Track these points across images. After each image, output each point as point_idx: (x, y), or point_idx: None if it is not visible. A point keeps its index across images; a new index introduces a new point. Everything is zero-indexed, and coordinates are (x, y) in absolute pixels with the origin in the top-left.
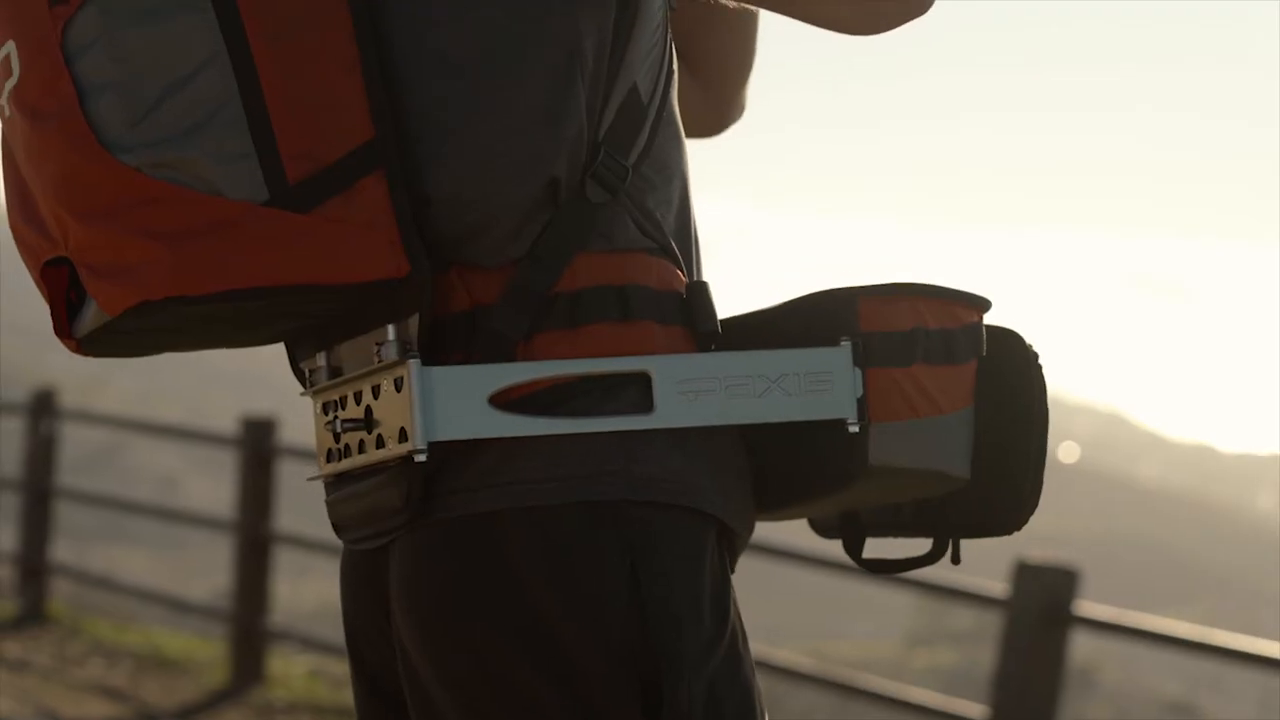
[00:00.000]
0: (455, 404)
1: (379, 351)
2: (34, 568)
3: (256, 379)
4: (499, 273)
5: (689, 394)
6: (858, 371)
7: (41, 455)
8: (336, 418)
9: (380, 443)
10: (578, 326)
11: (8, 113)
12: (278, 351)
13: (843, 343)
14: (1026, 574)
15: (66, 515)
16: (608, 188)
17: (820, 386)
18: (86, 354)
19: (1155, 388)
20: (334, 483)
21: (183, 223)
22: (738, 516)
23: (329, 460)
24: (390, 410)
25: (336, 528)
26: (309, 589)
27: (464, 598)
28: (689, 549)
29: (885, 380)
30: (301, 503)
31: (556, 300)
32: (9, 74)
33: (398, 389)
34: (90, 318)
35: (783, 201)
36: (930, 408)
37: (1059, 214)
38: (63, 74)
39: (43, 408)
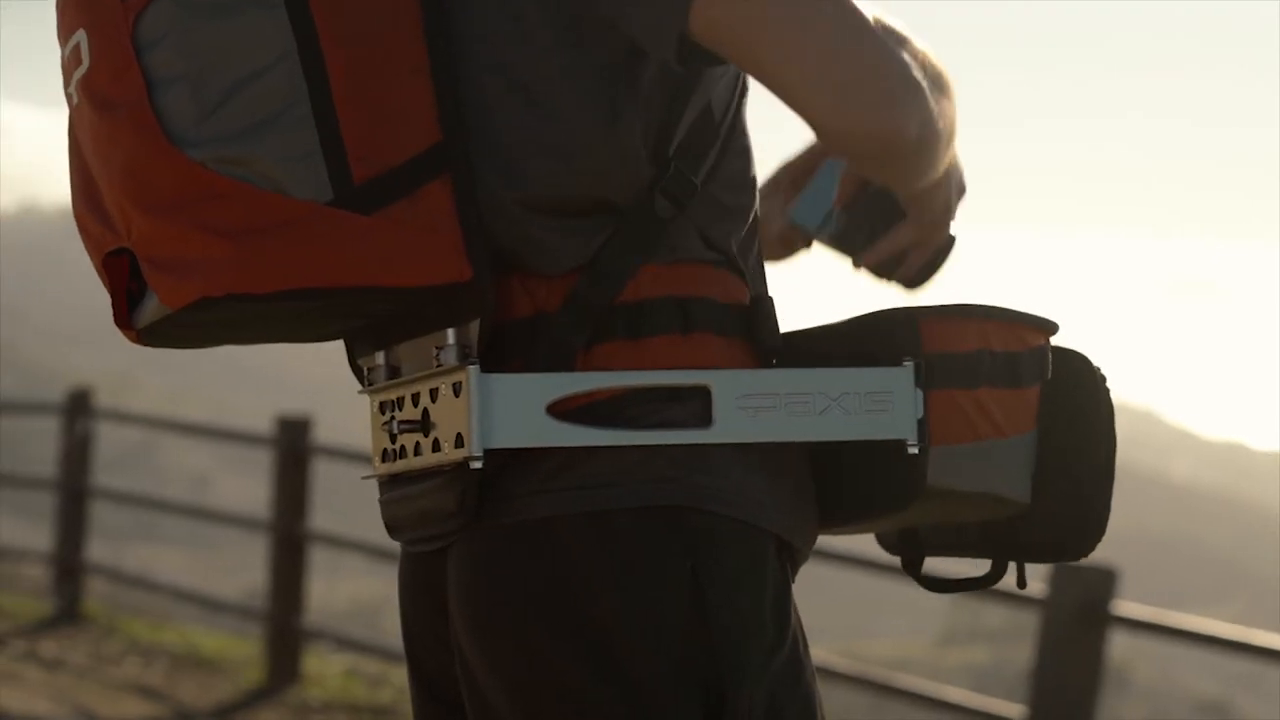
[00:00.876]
0: (513, 412)
1: (438, 355)
2: (69, 567)
3: (285, 378)
4: (562, 281)
5: (749, 409)
6: (919, 392)
7: (77, 455)
8: (393, 418)
9: (436, 446)
10: (639, 338)
11: (76, 100)
12: (307, 352)
13: (905, 363)
14: (1064, 573)
15: (100, 514)
16: (675, 203)
17: (880, 406)
18: (145, 344)
19: (1187, 385)
20: (388, 483)
21: (246, 219)
22: (796, 531)
23: (384, 460)
24: (447, 415)
25: (390, 528)
26: (342, 588)
27: (523, 602)
28: (749, 558)
29: (947, 402)
30: (335, 502)
31: (618, 311)
32: (79, 62)
33: (456, 394)
34: (151, 310)
35: None
36: (992, 430)
37: (1090, 216)
38: (132, 65)
39: (78, 407)
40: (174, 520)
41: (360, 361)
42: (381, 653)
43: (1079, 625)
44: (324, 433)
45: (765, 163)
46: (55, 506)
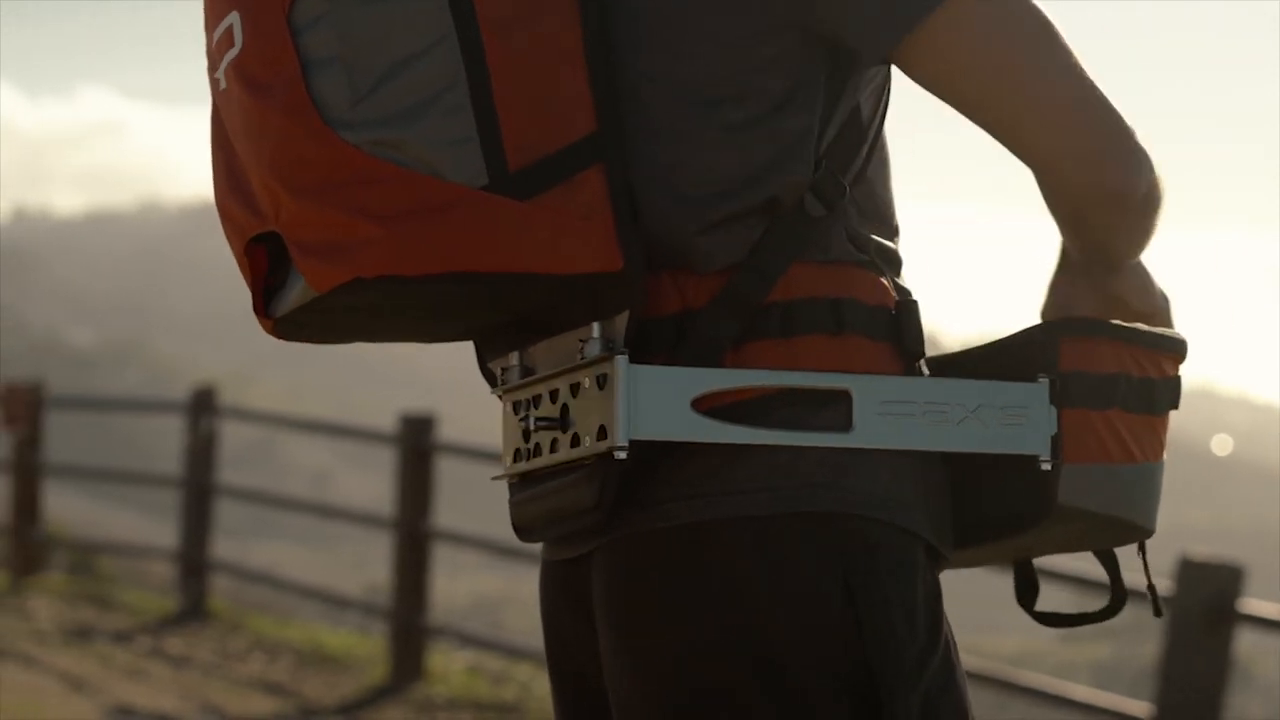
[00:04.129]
0: (658, 404)
1: (583, 349)
2: (195, 564)
3: (405, 375)
4: (712, 278)
5: (888, 415)
6: (1053, 409)
7: (201, 452)
8: (529, 415)
9: (575, 441)
10: (790, 337)
11: (224, 85)
12: (429, 348)
13: (1040, 379)
14: (1191, 571)
15: (224, 511)
16: (825, 203)
17: (1015, 421)
18: (280, 336)
19: None
20: (519, 484)
21: (399, 202)
22: (943, 536)
23: (516, 460)
24: (589, 408)
25: (519, 529)
26: (463, 585)
27: (674, 608)
28: (901, 562)
29: (1081, 421)
30: (457, 499)
31: (770, 310)
32: (230, 45)
33: (600, 386)
34: (293, 296)
35: None
36: (1124, 454)
37: (1198, 212)
38: (288, 47)
39: (203, 405)
40: (295, 517)
41: (492, 364)
42: (504, 650)
43: (1206, 623)
44: (446, 430)
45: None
46: (180, 503)
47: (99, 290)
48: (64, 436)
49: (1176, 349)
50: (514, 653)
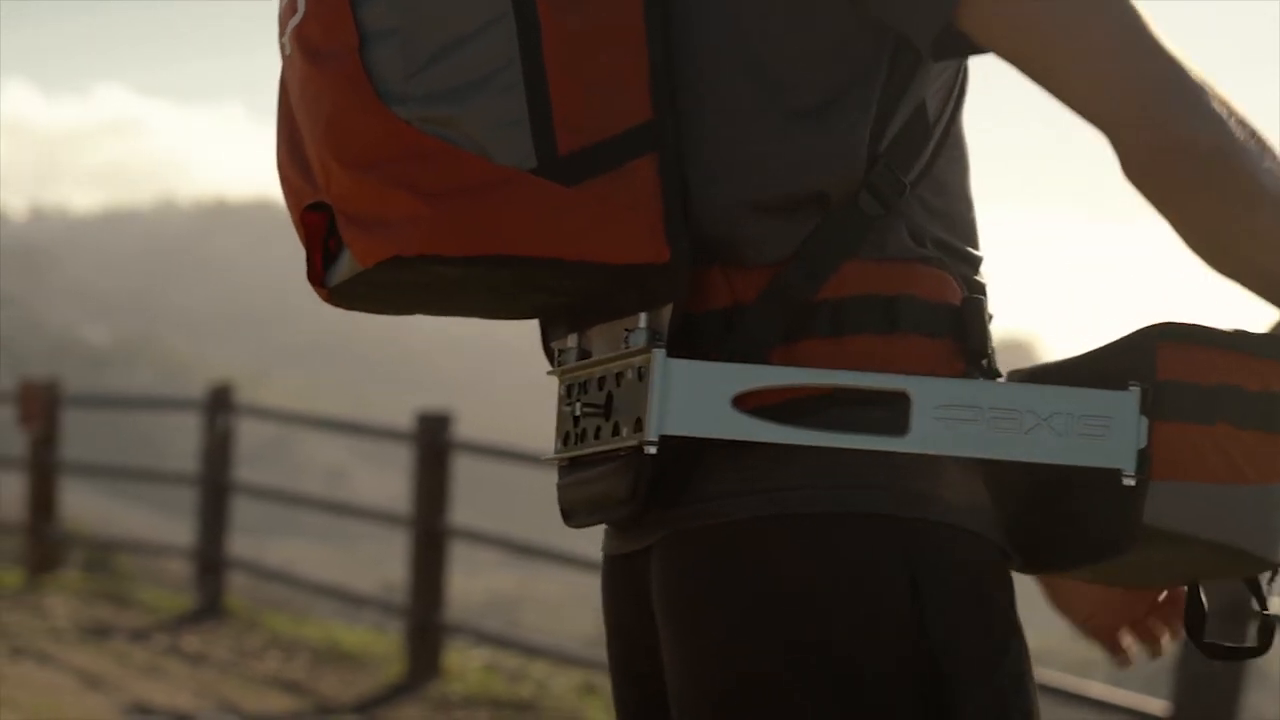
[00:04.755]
0: (695, 400)
1: (627, 338)
2: (211, 562)
3: (420, 374)
4: (761, 272)
5: (947, 419)
6: (1144, 420)
7: (218, 450)
8: (578, 401)
9: (616, 430)
10: (841, 336)
11: (288, 50)
12: (443, 346)
13: (1130, 387)
14: None
15: (240, 509)
16: (882, 201)
17: (1096, 431)
18: (336, 304)
19: None
20: (566, 468)
21: (447, 180)
22: (1017, 545)
23: (565, 444)
24: (629, 398)
25: (564, 513)
26: (479, 583)
27: (728, 605)
28: (972, 568)
29: (1177, 435)
30: (474, 497)
31: (820, 307)
32: (294, 11)
33: (640, 378)
34: (344, 267)
35: None
36: (1232, 474)
37: None
38: (347, 17)
39: (219, 403)
40: (311, 515)
41: (553, 343)
42: (521, 647)
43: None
44: (462, 428)
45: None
46: (197, 501)
47: (114, 288)
48: (80, 434)
49: None
50: (530, 650)
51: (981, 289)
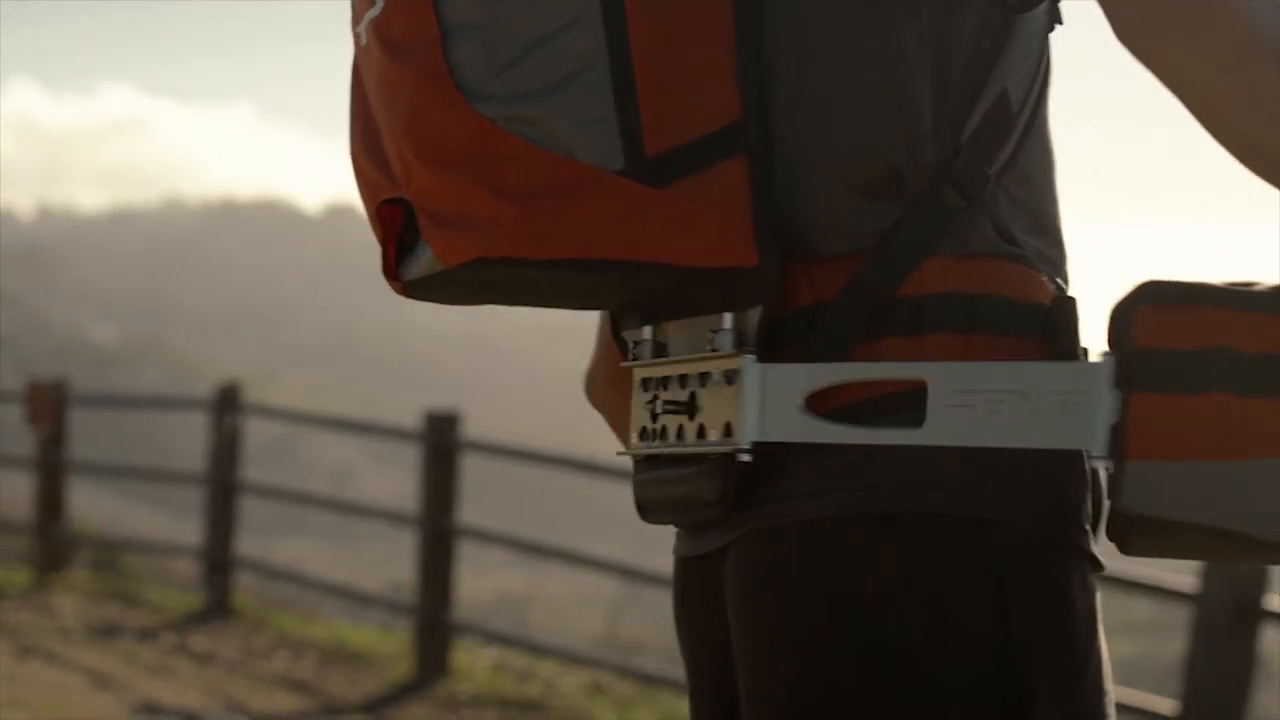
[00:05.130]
0: (786, 405)
1: (713, 339)
2: (219, 561)
3: (426, 374)
4: (841, 267)
5: (958, 406)
6: (1116, 394)
7: (226, 449)
8: (657, 397)
9: (702, 433)
10: (920, 334)
11: (364, 41)
12: (451, 346)
13: (1101, 356)
14: (1217, 569)
15: (247, 509)
16: (965, 193)
17: (1064, 409)
18: (410, 297)
19: None
20: (643, 462)
21: (531, 181)
22: (1088, 541)
23: (642, 439)
24: (717, 402)
25: (640, 508)
26: (487, 582)
27: (807, 605)
28: (1056, 575)
29: (1157, 409)
30: (482, 497)
31: (901, 304)
32: (371, 3)
33: (728, 381)
34: (423, 264)
35: None
36: (1225, 449)
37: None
38: (428, 11)
39: (227, 402)
40: (318, 514)
41: (625, 334)
42: (529, 647)
43: (1231, 620)
44: (470, 428)
45: None
46: (204, 501)
47: (121, 288)
48: (87, 434)
49: None
50: (539, 650)
51: (1067, 285)
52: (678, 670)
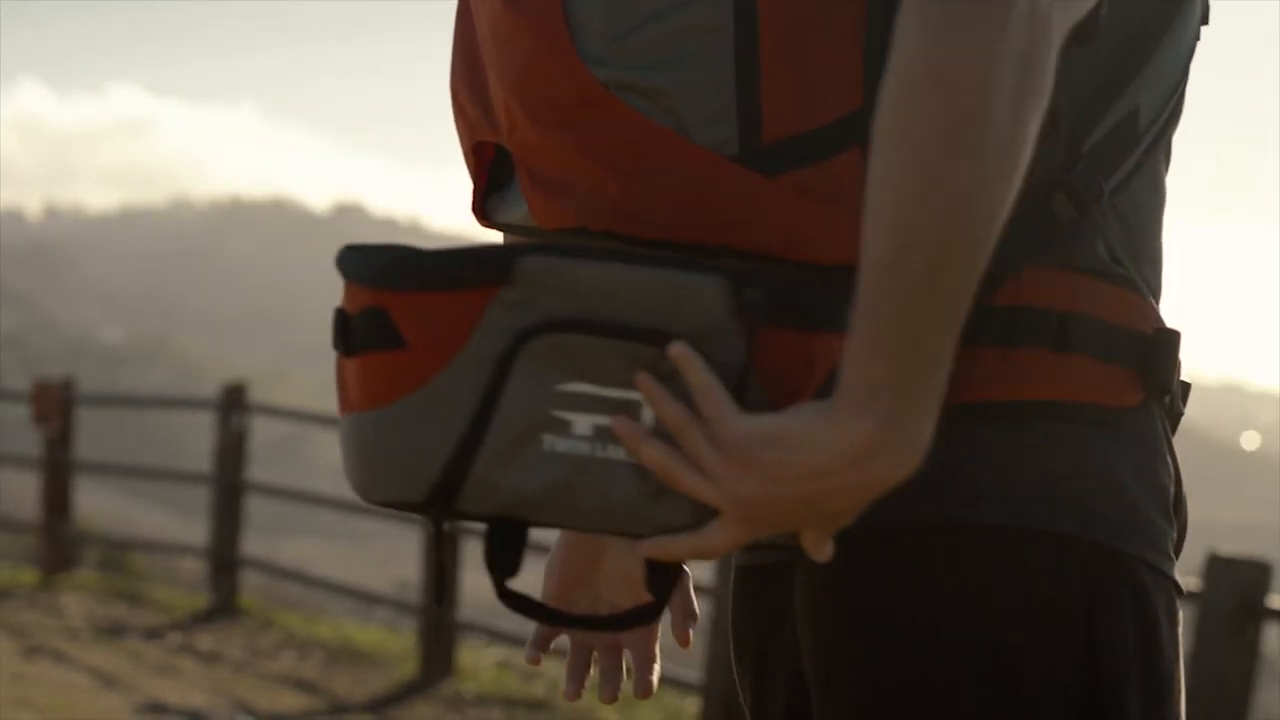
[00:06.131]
0: None
1: None
2: (225, 561)
3: None
4: None
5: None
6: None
7: (232, 449)
8: None
9: None
10: (1010, 346)
11: None
12: None
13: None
14: (1219, 568)
15: (253, 508)
16: (1077, 204)
17: None
18: (492, 229)
19: None
20: None
21: (641, 156)
22: (1173, 567)
23: None
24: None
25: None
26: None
27: (894, 614)
28: (1143, 595)
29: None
30: None
31: (995, 312)
32: None
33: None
34: (517, 215)
35: None
36: (346, 403)
37: (1225, 206)
38: None
39: (233, 402)
40: (324, 514)
41: None
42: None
43: (1234, 620)
44: None
45: None
46: (211, 500)
47: (128, 288)
48: (94, 434)
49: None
50: None
51: (1163, 320)
52: (681, 670)
